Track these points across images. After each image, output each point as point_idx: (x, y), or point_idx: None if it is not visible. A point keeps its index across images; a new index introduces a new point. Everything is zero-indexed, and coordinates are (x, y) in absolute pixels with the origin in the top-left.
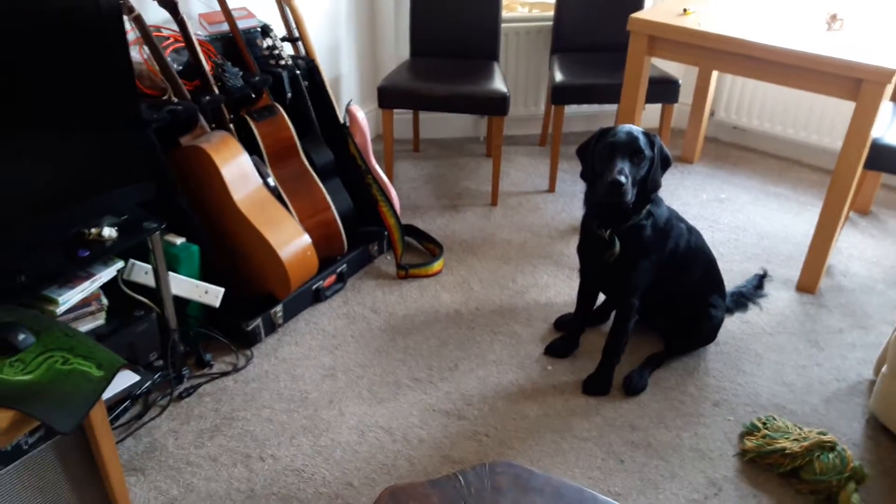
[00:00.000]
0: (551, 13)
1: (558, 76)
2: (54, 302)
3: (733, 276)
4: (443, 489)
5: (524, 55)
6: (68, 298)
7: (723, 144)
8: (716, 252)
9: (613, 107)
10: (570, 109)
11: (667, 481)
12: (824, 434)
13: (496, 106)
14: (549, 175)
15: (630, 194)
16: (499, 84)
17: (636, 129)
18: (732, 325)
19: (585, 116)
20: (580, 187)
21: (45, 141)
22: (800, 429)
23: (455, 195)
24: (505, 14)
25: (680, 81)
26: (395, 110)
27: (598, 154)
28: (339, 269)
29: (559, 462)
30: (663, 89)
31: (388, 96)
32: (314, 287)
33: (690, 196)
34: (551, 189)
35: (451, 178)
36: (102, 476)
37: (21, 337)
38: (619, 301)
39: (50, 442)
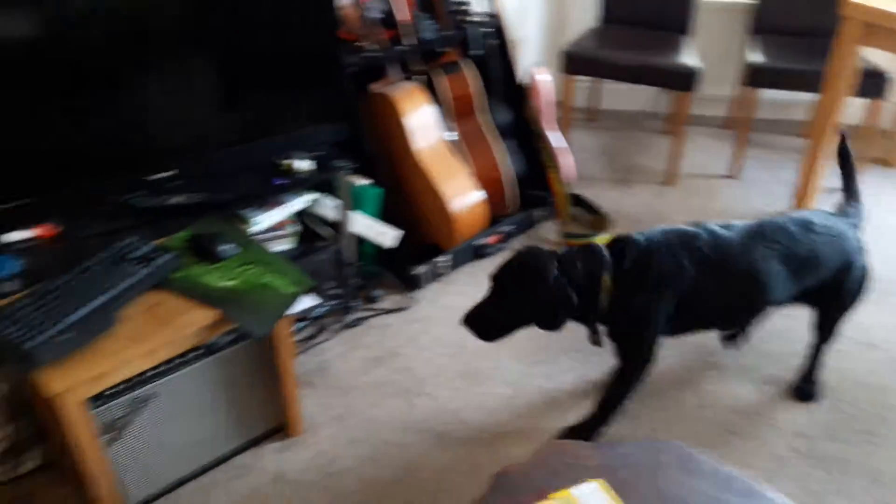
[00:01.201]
0: None
1: (757, 57)
2: (247, 221)
3: None
4: (605, 453)
5: (718, 32)
6: (261, 220)
7: None
8: None
9: (810, 96)
10: (764, 94)
11: (831, 496)
12: None
13: (684, 81)
14: (732, 160)
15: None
16: (690, 58)
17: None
18: None
19: (777, 103)
20: (766, 176)
21: (254, 73)
22: None
23: (628, 169)
24: None
25: (891, 76)
26: (576, 77)
27: None
28: (503, 230)
29: (721, 454)
30: (871, 83)
31: (573, 62)
32: (478, 243)
33: (893, 203)
34: (733, 175)
35: (626, 152)
36: (279, 382)
37: (225, 247)
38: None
39: (241, 344)
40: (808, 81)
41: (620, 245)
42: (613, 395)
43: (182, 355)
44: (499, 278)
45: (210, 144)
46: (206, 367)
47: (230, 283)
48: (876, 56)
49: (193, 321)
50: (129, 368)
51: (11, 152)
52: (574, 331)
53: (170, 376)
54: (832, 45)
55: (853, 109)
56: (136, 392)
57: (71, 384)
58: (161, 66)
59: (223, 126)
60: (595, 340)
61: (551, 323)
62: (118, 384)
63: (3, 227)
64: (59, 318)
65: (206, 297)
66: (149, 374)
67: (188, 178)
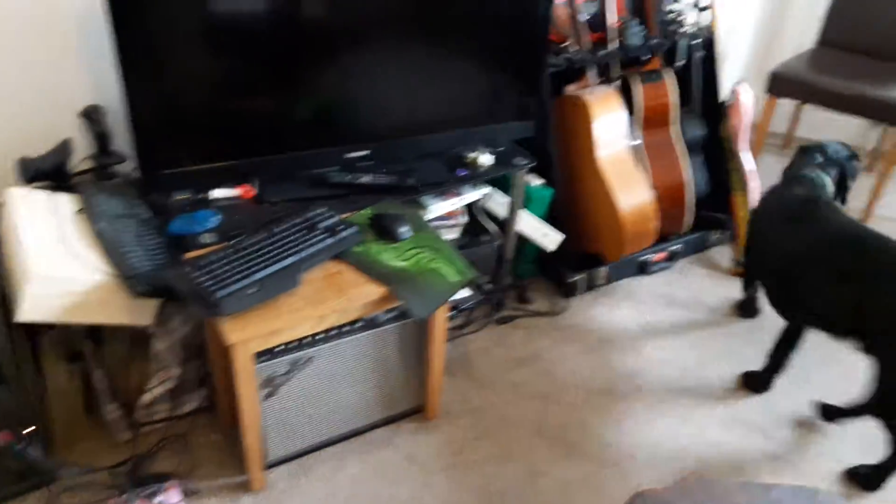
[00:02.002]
0: None
1: None
2: (424, 208)
3: None
4: (750, 493)
5: None
6: (437, 208)
7: None
8: None
9: None
10: None
11: None
12: None
13: None
14: (868, 198)
15: None
16: None
17: None
18: None
19: None
20: None
21: (457, 67)
22: None
23: None
24: None
25: None
26: (778, 100)
27: None
28: (672, 248)
29: None
30: None
31: (781, 83)
32: (642, 259)
33: None
34: (866, 216)
35: None
36: (426, 366)
37: (403, 229)
38: None
39: (399, 323)
40: None
41: None
42: None
43: (346, 325)
44: None
45: (405, 130)
46: (364, 339)
47: (402, 264)
48: None
49: (364, 294)
50: (300, 329)
51: (225, 116)
52: (726, 360)
53: (330, 343)
54: None
55: None
56: (299, 353)
57: (247, 336)
58: (373, 51)
59: (419, 114)
60: None
61: None
62: (285, 343)
63: (209, 184)
64: (248, 274)
65: (379, 273)
66: (313, 337)
67: (380, 159)
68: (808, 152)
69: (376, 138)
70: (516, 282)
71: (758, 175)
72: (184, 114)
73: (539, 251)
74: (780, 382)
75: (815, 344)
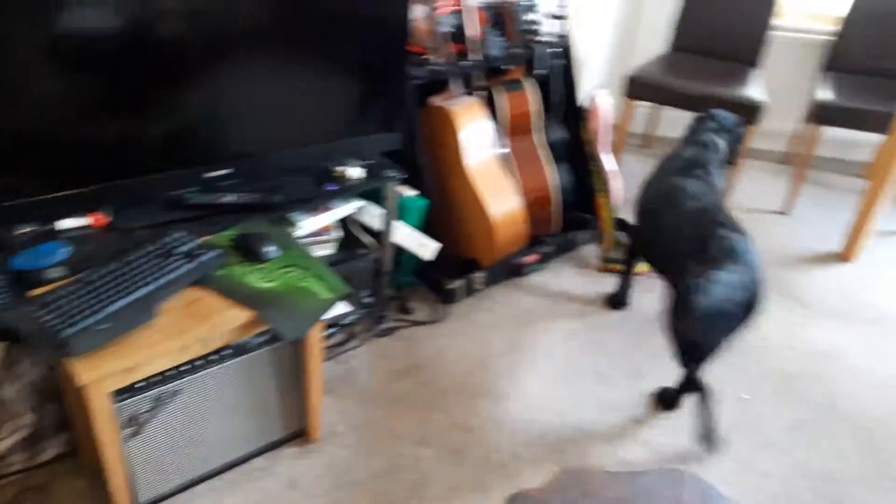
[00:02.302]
0: (831, 27)
1: (826, 94)
2: (293, 224)
3: None
4: (623, 484)
5: (787, 67)
6: (307, 224)
7: None
8: None
9: (873, 137)
10: (826, 132)
11: None
12: None
13: (749, 113)
14: (786, 195)
15: None
16: (756, 91)
17: None
18: None
19: (839, 142)
20: (819, 215)
21: (320, 80)
22: None
23: None
24: (777, 21)
25: None
26: (636, 102)
27: None
28: (543, 250)
29: (734, 491)
30: None
31: (638, 87)
32: (516, 261)
33: None
34: (786, 211)
35: None
36: (304, 388)
37: (268, 249)
38: None
39: (271, 347)
40: (876, 122)
41: None
42: None
43: (213, 353)
44: None
45: (267, 146)
46: (233, 367)
47: (269, 285)
48: None
49: (228, 320)
50: (160, 363)
51: (71, 140)
52: (600, 351)
53: (196, 374)
54: None
55: None
56: (162, 387)
57: (101, 375)
58: (230, 66)
59: (282, 129)
60: None
61: None
62: (145, 379)
63: (57, 213)
64: (99, 308)
65: (244, 296)
66: (177, 370)
67: (242, 177)
68: (702, 120)
69: (238, 156)
70: (397, 293)
71: (619, 175)
72: (22, 139)
73: (418, 261)
74: (652, 367)
75: None
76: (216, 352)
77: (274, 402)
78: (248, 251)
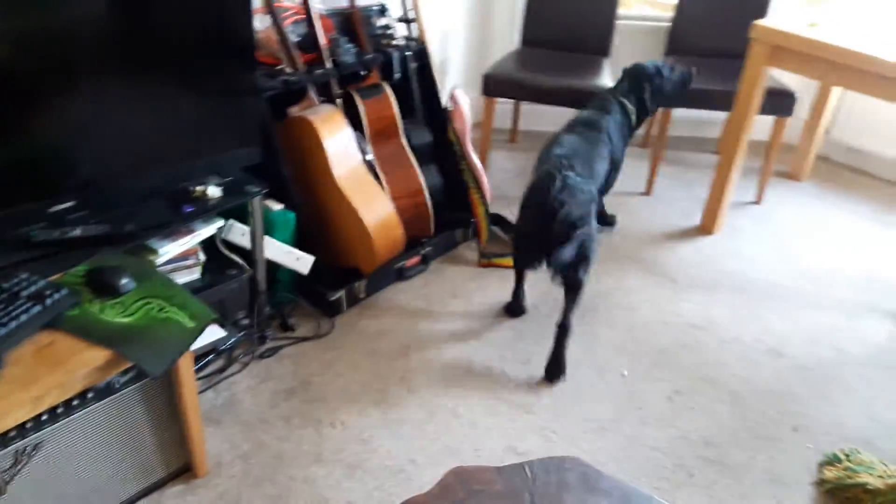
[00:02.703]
0: (669, 14)
1: None
2: (154, 252)
3: (831, 302)
4: (508, 477)
5: (636, 54)
6: (168, 250)
7: (835, 165)
8: (814, 277)
9: (721, 114)
10: (678, 113)
11: (736, 500)
12: None
13: None
14: (647, 177)
15: None
16: (607, 81)
17: None
18: (823, 351)
19: (692, 121)
20: (680, 192)
21: (166, 97)
22: (885, 465)
23: None
24: (621, 11)
25: (797, 95)
26: (497, 99)
27: None
28: (423, 251)
29: (626, 468)
30: (779, 101)
31: (494, 85)
32: (398, 266)
33: (795, 215)
34: (648, 192)
35: None
36: (182, 422)
37: (124, 281)
38: None
39: (139, 384)
40: (719, 101)
41: None
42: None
43: (75, 398)
44: None
45: (117, 172)
46: (100, 410)
47: (127, 320)
48: (783, 76)
49: (86, 362)
50: (14, 417)
51: None
52: (487, 346)
53: (59, 423)
54: (742, 66)
55: (762, 125)
56: (22, 441)
57: None
58: (68, 89)
59: (132, 152)
60: None
61: None
62: (2, 434)
63: None
64: None
65: (101, 335)
66: (36, 421)
67: (92, 207)
68: (619, 81)
69: (86, 185)
70: (277, 311)
71: (484, 172)
72: None
73: (295, 275)
74: (538, 354)
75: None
76: (78, 396)
77: (152, 441)
78: (102, 286)
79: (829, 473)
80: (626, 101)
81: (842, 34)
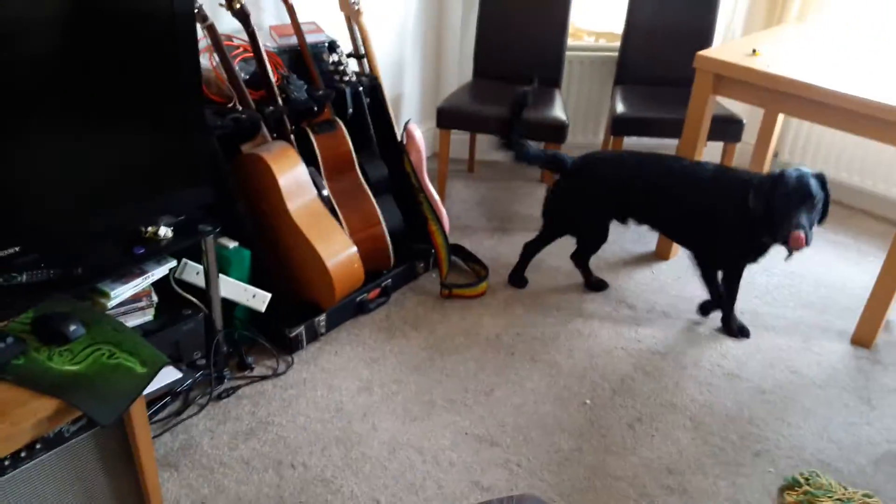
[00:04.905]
0: (617, 44)
1: (620, 107)
2: (106, 295)
3: (786, 324)
4: None
5: (587, 84)
6: (120, 293)
7: None
8: (770, 298)
9: (673, 141)
10: (630, 141)
11: None
12: (870, 497)
13: (554, 133)
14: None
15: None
16: (558, 112)
17: (808, 175)
18: (781, 374)
19: (644, 149)
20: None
21: (112, 138)
22: (844, 488)
23: (506, 218)
24: (570, 42)
25: (744, 121)
26: (452, 130)
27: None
28: (383, 283)
29: (590, 499)
30: (726, 128)
31: (447, 117)
32: (358, 299)
33: None
34: None
35: (503, 202)
36: (137, 469)
37: (72, 328)
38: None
39: (90, 432)
40: (668, 128)
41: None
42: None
43: (22, 450)
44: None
45: (62, 216)
46: (50, 461)
47: (76, 367)
48: (730, 103)
49: (33, 412)
50: None
51: None
52: (449, 378)
53: (6, 475)
54: (689, 94)
55: (711, 151)
56: None
57: None
58: (6, 132)
59: (77, 195)
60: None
61: None
62: None
63: None
64: None
65: (48, 384)
66: None
67: (38, 252)
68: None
69: (27, 229)
70: (234, 349)
71: (441, 203)
72: None
73: (253, 313)
74: (500, 385)
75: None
76: (27, 447)
77: (105, 490)
78: (49, 333)
79: (790, 498)
80: None
81: (783, 62)
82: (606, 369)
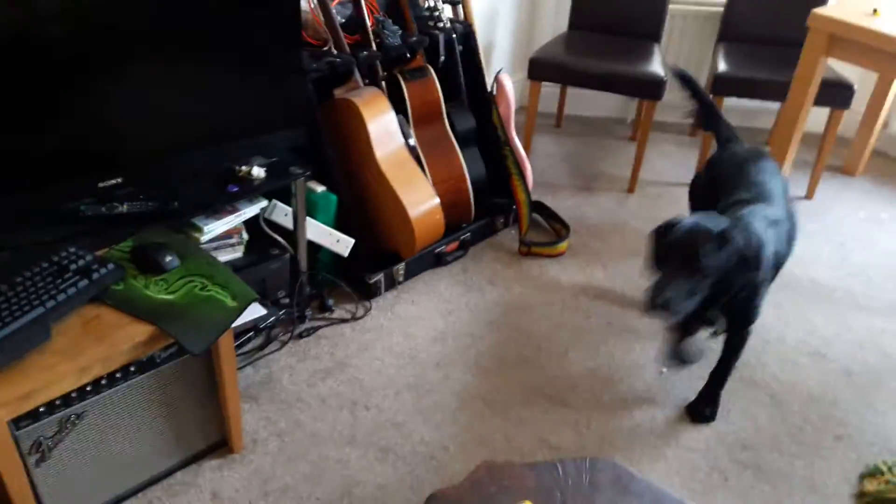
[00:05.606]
0: None
1: (722, 66)
2: (200, 230)
3: (881, 305)
4: (539, 474)
5: (688, 40)
6: (213, 228)
7: (892, 160)
8: (865, 277)
9: (775, 105)
10: (729, 102)
11: None
12: None
13: (651, 89)
14: (695, 168)
15: (681, 314)
16: (657, 67)
17: (703, 226)
18: (871, 356)
19: (744, 111)
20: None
21: (212, 77)
22: None
23: (591, 176)
24: None
25: (855, 86)
26: (542, 83)
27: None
28: (462, 237)
29: (660, 467)
30: (835, 93)
31: (540, 68)
32: (437, 251)
33: (847, 211)
34: None
35: (590, 159)
36: (220, 398)
37: (168, 259)
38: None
39: (179, 360)
40: (772, 90)
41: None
42: (730, 363)
43: (118, 371)
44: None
45: (163, 150)
46: (142, 383)
47: (171, 297)
48: (840, 66)
49: (130, 336)
50: (60, 387)
51: None
52: (523, 336)
53: (103, 394)
54: (798, 54)
55: (816, 117)
56: (66, 410)
57: None
58: (116, 69)
59: (178, 131)
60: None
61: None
62: (47, 403)
63: None
64: None
65: (144, 310)
66: (80, 391)
67: (139, 185)
68: None
69: (132, 163)
70: (316, 291)
71: (527, 158)
72: None
73: (335, 257)
74: (575, 346)
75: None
76: (122, 368)
77: (190, 415)
78: (146, 263)
79: (870, 486)
80: None
81: None
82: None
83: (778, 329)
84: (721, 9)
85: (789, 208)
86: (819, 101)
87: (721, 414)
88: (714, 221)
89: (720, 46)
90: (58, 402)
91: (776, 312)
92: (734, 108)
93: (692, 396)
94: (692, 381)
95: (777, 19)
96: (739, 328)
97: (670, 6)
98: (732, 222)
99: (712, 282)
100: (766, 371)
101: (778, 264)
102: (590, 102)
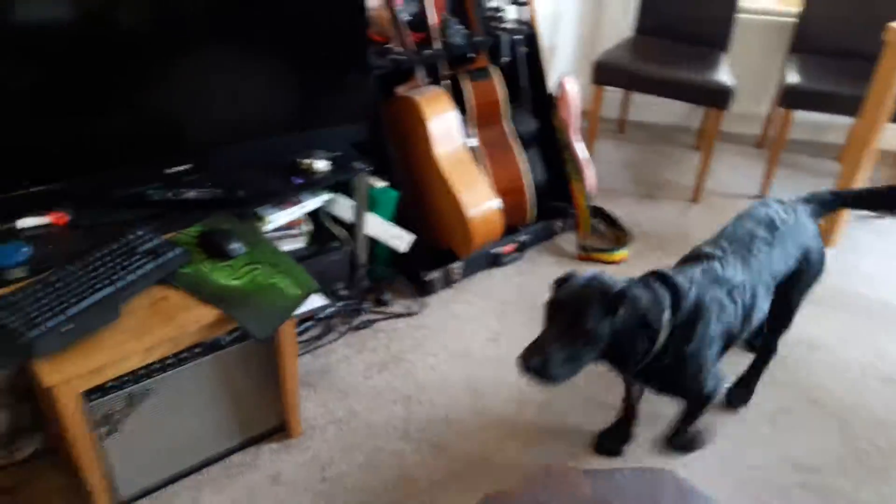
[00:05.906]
0: (796, 9)
1: (793, 77)
2: (263, 219)
3: None
4: (597, 481)
5: (756, 50)
6: (276, 218)
7: None
8: None
9: (847, 120)
10: (799, 115)
11: None
12: None
13: (718, 98)
14: (761, 180)
15: (557, 382)
16: (724, 76)
17: (597, 285)
18: None
19: (813, 125)
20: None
21: (279, 70)
22: None
23: (654, 184)
24: (743, 3)
25: None
26: (606, 87)
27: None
28: (520, 239)
29: (722, 485)
30: None
31: (604, 72)
32: (493, 252)
33: None
34: (762, 194)
35: (653, 166)
36: (280, 383)
37: (234, 245)
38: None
39: (243, 344)
40: (845, 105)
41: (669, 285)
42: (686, 423)
43: (184, 351)
44: (564, 305)
45: (230, 140)
46: (206, 364)
47: (236, 283)
48: None
49: (196, 319)
50: (128, 363)
51: (25, 136)
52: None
53: (169, 372)
54: (874, 69)
55: (890, 135)
56: (134, 387)
57: (68, 376)
58: (186, 57)
59: (244, 121)
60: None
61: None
62: (116, 378)
63: (16, 212)
64: (62, 309)
65: (210, 295)
66: (147, 369)
67: (206, 172)
68: None
69: (199, 150)
70: (373, 285)
71: (591, 163)
72: None
73: (393, 252)
74: None
75: None
76: (189, 349)
77: (251, 398)
78: (213, 248)
79: None
80: None
81: None
82: (749, 357)
83: (847, 351)
84: (792, 20)
85: (793, 255)
86: (894, 118)
87: (785, 434)
88: (614, 279)
89: (791, 57)
90: (126, 379)
91: (845, 334)
92: (803, 121)
93: (754, 415)
94: (756, 399)
95: (852, 32)
96: (687, 395)
97: (739, 15)
98: (638, 281)
99: (602, 348)
100: (834, 393)
101: (731, 334)
102: (654, 109)
